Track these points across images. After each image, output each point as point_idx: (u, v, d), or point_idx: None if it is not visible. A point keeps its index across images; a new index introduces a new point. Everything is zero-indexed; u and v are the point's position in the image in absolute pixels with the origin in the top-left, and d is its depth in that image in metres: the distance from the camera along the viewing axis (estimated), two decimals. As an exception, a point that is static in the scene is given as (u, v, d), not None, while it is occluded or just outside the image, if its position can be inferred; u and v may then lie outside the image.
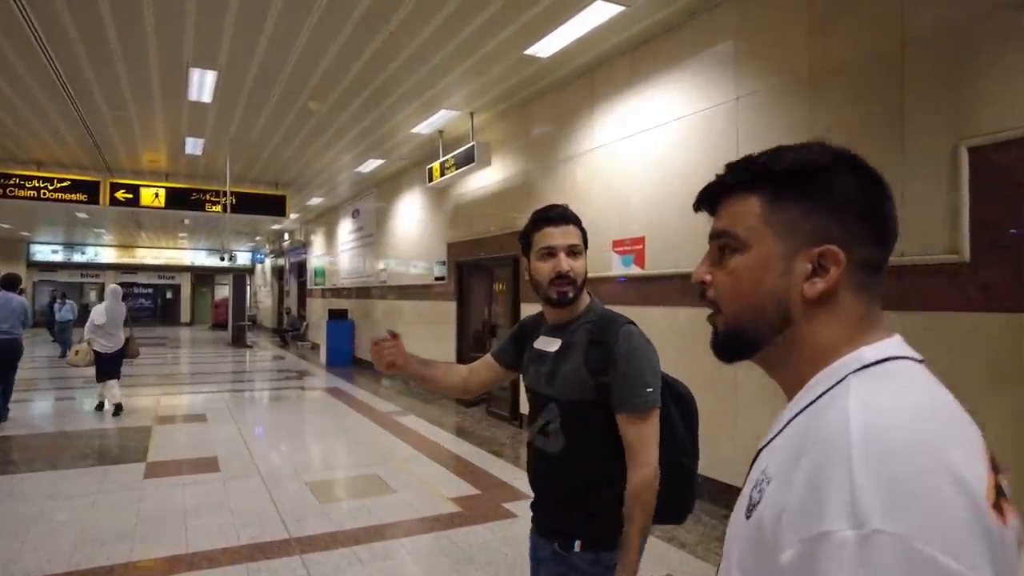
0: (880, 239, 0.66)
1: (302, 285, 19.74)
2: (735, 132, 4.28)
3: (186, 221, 16.96)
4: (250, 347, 17.38)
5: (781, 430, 0.64)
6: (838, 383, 0.61)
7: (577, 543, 1.49)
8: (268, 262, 25.23)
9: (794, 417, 0.63)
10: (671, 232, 4.70)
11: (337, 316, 13.49)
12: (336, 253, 15.22)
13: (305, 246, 18.61)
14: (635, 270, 5.07)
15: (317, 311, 16.74)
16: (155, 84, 6.40)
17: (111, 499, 4.32)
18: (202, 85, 6.31)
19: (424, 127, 7.71)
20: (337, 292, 15.07)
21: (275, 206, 11.65)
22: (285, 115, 7.41)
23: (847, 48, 3.60)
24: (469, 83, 6.20)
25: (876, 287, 0.67)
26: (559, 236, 1.55)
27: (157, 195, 10.46)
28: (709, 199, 0.75)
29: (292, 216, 14.65)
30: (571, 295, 1.54)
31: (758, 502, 0.60)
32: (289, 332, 18.30)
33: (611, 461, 1.48)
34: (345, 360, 13.09)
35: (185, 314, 28.90)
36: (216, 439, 6.16)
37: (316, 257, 17.42)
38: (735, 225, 0.70)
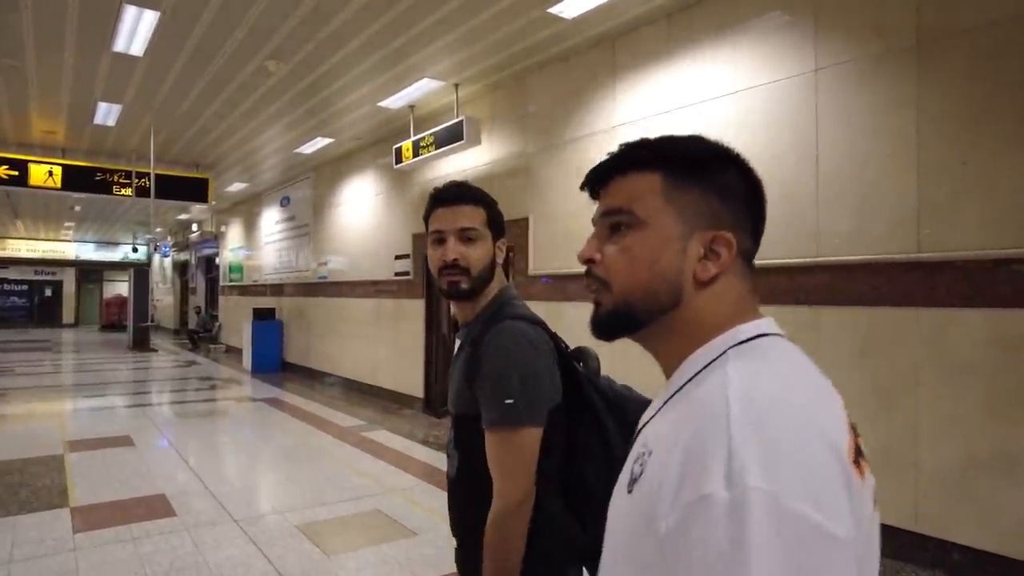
0: (755, 232, 0.71)
1: (212, 281, 17.85)
2: (813, 109, 3.77)
3: (77, 208, 14.78)
4: (155, 351, 15.44)
5: (663, 405, 0.67)
6: (718, 357, 0.63)
7: None
8: (170, 256, 22.83)
9: (675, 392, 0.65)
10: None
11: (264, 316, 12.12)
12: (259, 246, 13.71)
13: (217, 238, 16.78)
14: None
15: (233, 310, 15.11)
16: (70, 25, 5.07)
17: (34, 569, 3.17)
18: (135, 31, 5.06)
19: (395, 100, 6.76)
20: (260, 289, 13.59)
21: (196, 191, 10.15)
22: (233, 77, 6.22)
23: (969, 11, 3.16)
24: (464, 48, 5.37)
25: (751, 275, 0.70)
26: (448, 218, 1.34)
27: (52, 173, 8.73)
28: (599, 179, 0.74)
29: (204, 204, 13.00)
30: (464, 287, 1.32)
31: (639, 475, 0.60)
32: (199, 334, 16.47)
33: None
34: (273, 365, 11.77)
35: (68, 314, 25.59)
36: (156, 470, 4.97)
37: (232, 251, 15.70)
38: (633, 202, 0.69)
